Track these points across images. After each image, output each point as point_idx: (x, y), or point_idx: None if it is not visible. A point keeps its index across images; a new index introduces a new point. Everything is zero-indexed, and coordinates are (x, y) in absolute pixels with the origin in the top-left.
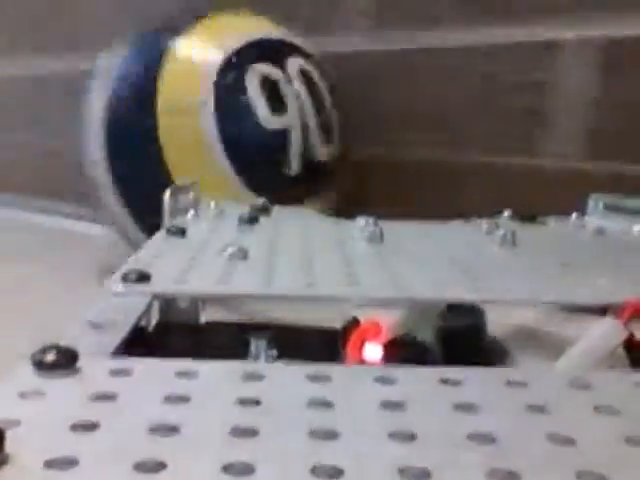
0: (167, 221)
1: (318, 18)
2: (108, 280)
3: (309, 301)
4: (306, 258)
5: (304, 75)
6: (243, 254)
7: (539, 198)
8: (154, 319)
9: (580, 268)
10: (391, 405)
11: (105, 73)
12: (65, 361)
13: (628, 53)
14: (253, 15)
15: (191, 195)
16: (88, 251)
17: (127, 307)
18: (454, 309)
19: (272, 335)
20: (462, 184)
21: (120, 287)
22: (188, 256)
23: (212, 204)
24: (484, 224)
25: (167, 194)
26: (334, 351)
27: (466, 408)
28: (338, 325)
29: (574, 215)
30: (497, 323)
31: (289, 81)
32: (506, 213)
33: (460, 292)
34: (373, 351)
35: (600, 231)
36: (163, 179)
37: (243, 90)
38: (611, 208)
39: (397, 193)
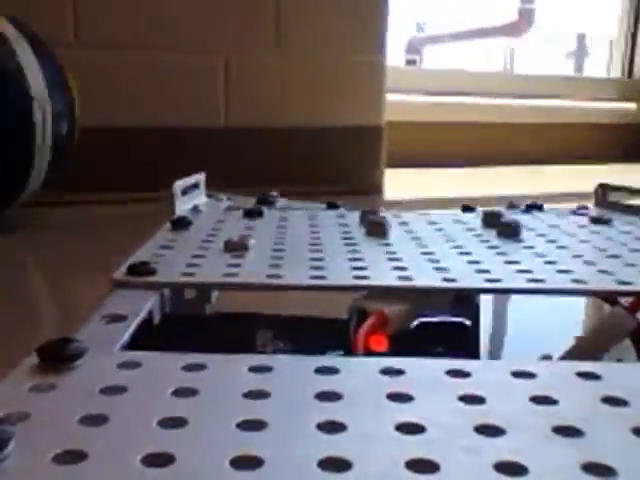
0: (175, 214)
1: None
2: (115, 272)
3: (315, 292)
4: (311, 249)
5: None
6: (249, 246)
7: None
8: (161, 312)
9: (588, 258)
10: (398, 397)
11: None
12: (73, 354)
13: None
14: None
15: (197, 188)
16: None
17: (134, 300)
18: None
19: (278, 326)
20: None
21: (126, 279)
22: (194, 248)
23: (218, 197)
24: (486, 214)
25: (175, 187)
26: (341, 342)
27: (473, 400)
28: (345, 316)
29: (581, 205)
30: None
31: None
32: (512, 203)
33: (468, 282)
34: (379, 343)
35: (607, 221)
36: None
37: None
38: (618, 197)
39: None
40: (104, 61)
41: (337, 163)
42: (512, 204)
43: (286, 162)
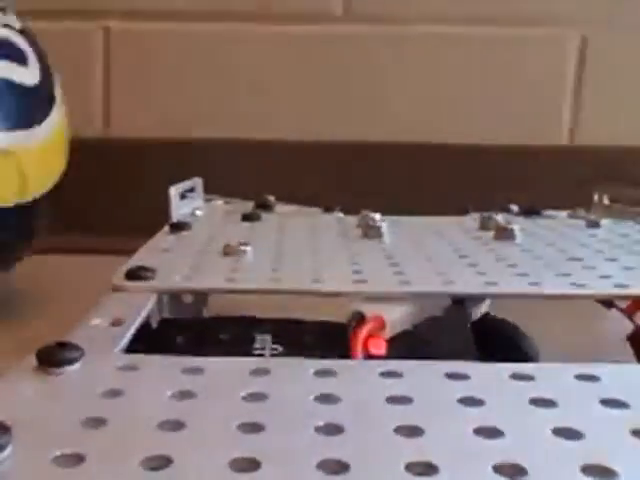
0: (172, 218)
1: None
2: (113, 277)
3: (315, 296)
4: (310, 254)
5: None
6: (247, 250)
7: None
8: (159, 315)
9: (586, 261)
10: (397, 400)
11: None
12: (71, 358)
13: None
14: None
15: (195, 192)
16: None
17: (132, 304)
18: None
19: (276, 330)
20: None
21: (124, 283)
22: (193, 252)
23: (216, 201)
24: (483, 218)
25: (173, 191)
26: (339, 346)
27: (472, 402)
28: (344, 319)
29: (579, 209)
30: None
31: None
32: (511, 207)
33: (467, 286)
34: (378, 346)
35: (604, 225)
36: None
37: None
38: (616, 201)
39: None
40: (380, 40)
41: None
42: (508, 208)
43: None
